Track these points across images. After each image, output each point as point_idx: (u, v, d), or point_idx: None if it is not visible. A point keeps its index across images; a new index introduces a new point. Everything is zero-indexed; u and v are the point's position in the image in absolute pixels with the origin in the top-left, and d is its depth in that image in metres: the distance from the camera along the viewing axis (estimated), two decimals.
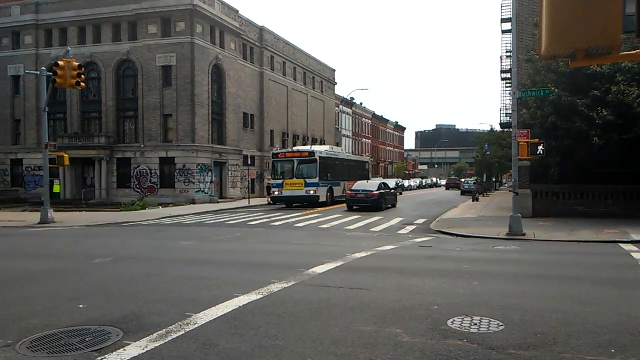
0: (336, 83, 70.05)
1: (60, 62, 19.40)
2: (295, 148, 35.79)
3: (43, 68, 23.86)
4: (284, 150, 33.71)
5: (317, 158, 29.66)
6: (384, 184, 30.36)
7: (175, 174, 37.25)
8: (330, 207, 29.53)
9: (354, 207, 27.17)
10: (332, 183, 31.24)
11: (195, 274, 9.11)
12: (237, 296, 7.11)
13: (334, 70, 69.61)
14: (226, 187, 41.58)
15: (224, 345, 5.10)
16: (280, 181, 29.77)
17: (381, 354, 4.86)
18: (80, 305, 6.76)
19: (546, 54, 3.64)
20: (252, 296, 7.15)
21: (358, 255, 11.30)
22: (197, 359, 4.75)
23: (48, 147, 21.88)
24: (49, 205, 21.68)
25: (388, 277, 8.74)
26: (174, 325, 5.74)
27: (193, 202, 36.18)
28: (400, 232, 17.56)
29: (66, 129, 40.14)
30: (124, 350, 4.98)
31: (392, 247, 13.07)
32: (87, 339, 5.33)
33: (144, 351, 4.94)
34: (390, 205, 29.17)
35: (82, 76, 19.75)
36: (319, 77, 63.36)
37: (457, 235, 16.47)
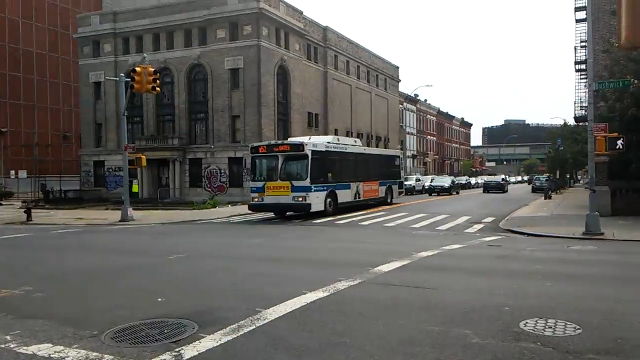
0: (400, 80, 69.24)
1: (138, 69, 20.52)
2: (280, 140, 26.98)
3: (122, 74, 25.30)
4: (266, 142, 23.96)
5: (309, 153, 20.94)
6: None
7: (244, 174, 38.23)
8: (332, 217, 21.72)
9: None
10: (334, 186, 22.89)
11: (264, 271, 9.37)
12: (305, 293, 7.25)
13: (398, 68, 68.84)
14: None
15: (293, 341, 5.24)
16: (261, 184, 21.39)
17: (450, 354, 4.82)
18: (159, 299, 7.15)
19: (626, 44, 3.48)
20: (319, 293, 7.27)
21: (424, 254, 11.17)
22: (268, 353, 4.90)
23: (127, 150, 23.11)
24: (129, 204, 22.95)
25: (456, 277, 8.60)
26: (245, 320, 5.94)
27: None
28: (467, 231, 17.15)
29: (143, 132, 42.17)
30: (200, 342, 5.23)
31: (459, 246, 12.80)
32: (165, 331, 5.63)
33: (218, 344, 5.17)
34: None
35: (157, 81, 20.81)
36: (383, 74, 62.89)
37: (528, 234, 15.86)
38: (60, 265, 10.70)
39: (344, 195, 23.92)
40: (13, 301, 7.24)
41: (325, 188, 22.10)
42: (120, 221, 22.08)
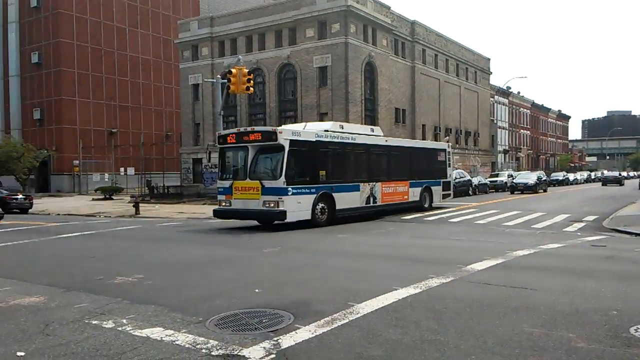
0: (491, 73, 66.54)
1: (233, 70, 21.55)
2: (251, 127, 19.61)
3: (218, 76, 26.65)
4: (234, 130, 18.07)
5: (284, 144, 15.68)
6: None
7: None
8: (328, 226, 16.77)
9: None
10: (330, 187, 17.41)
11: (354, 266, 9.49)
12: (396, 289, 7.26)
13: (489, 60, 66.20)
14: None
15: (386, 336, 5.29)
16: (228, 184, 16.71)
17: (552, 358, 4.63)
18: (256, 290, 7.50)
19: None
20: (411, 290, 7.25)
21: (520, 252, 10.73)
22: (362, 346, 5.00)
23: None
24: None
25: (556, 278, 8.19)
26: (338, 314, 6.08)
27: None
28: (567, 229, 16.18)
29: None
30: (296, 333, 5.43)
31: (559, 245, 12.13)
32: (264, 321, 5.91)
33: (313, 335, 5.34)
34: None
35: (251, 81, 21.73)
36: (473, 67, 60.79)
37: (637, 234, 14.67)
38: (166, 255, 11.51)
39: (348, 200, 18.23)
40: (127, 288, 7.92)
41: (312, 190, 16.59)
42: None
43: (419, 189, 22.62)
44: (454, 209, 24.01)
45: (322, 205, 17.03)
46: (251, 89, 21.88)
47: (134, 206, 25.58)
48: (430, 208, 23.39)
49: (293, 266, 9.72)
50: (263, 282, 8.13)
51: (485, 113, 64.91)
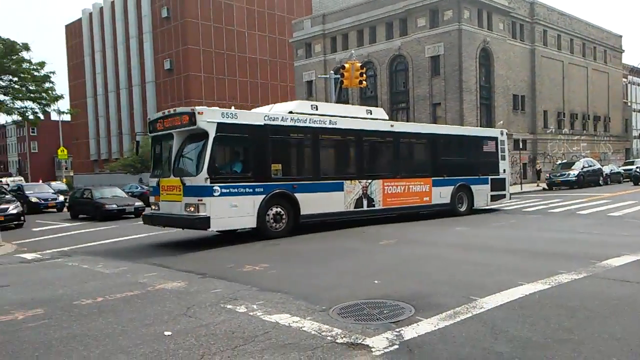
0: (623, 51, 60.22)
1: (346, 65, 21.95)
2: (174, 109, 13.27)
3: (331, 72, 27.21)
4: (160, 114, 13.56)
5: (207, 128, 11.91)
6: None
7: None
8: (289, 236, 13.05)
9: None
10: (288, 186, 13.40)
11: (475, 259, 9.22)
12: (522, 284, 6.96)
13: (621, 37, 59.95)
14: None
15: (513, 332, 5.11)
16: (155, 181, 13.25)
17: None
18: (375, 281, 7.61)
19: None
20: (538, 286, 6.90)
21: None
22: (488, 342, 4.87)
23: None
24: None
25: None
26: (460, 307, 5.98)
27: None
28: None
29: None
30: (417, 325, 5.44)
31: None
32: (384, 312, 6.00)
33: (435, 328, 5.31)
34: None
35: (364, 75, 21.93)
36: (602, 46, 55.49)
37: None
38: (286, 246, 12.03)
39: (322, 202, 14.02)
40: (255, 276, 8.46)
41: (259, 189, 12.64)
42: None
43: (449, 188, 17.74)
44: (584, 199, 22.22)
45: (278, 209, 13.05)
46: (364, 82, 22.12)
47: None
48: (469, 212, 18.34)
49: (410, 258, 9.70)
50: (381, 273, 8.22)
51: (617, 95, 59.04)
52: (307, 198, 13.63)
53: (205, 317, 6.04)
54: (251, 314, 6.09)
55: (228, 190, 12.04)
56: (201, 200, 11.66)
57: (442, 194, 17.46)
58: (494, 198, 19.53)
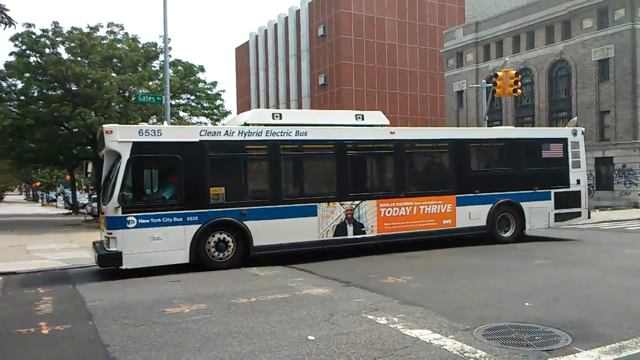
0: None
1: (499, 73, 20.92)
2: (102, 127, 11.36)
3: (483, 81, 26.15)
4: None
5: (119, 149, 10.39)
6: None
7: (614, 175, 33.95)
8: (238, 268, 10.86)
9: None
10: (235, 212, 11.10)
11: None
12: None
13: None
14: None
15: None
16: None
17: None
18: (527, 303, 7.09)
19: None
20: None
21: None
22: None
23: None
24: None
25: None
26: (628, 341, 5.32)
27: (636, 206, 32.07)
28: None
29: None
30: (575, 357, 4.96)
31: None
32: (536, 338, 5.56)
33: None
34: None
35: (519, 83, 20.67)
36: None
37: None
38: (431, 260, 11.75)
39: (284, 231, 11.51)
40: (397, 287, 8.43)
41: (192, 218, 10.72)
42: None
43: (484, 208, 13.83)
44: None
45: (223, 236, 10.99)
46: (519, 90, 20.80)
47: None
48: (518, 237, 14.31)
49: (567, 280, 8.85)
50: (534, 295, 7.65)
51: None
52: (263, 226, 11.23)
53: (346, 325, 6.19)
54: (392, 326, 6.10)
55: (148, 221, 10.30)
56: (111, 233, 10.16)
57: (472, 215, 13.68)
58: (561, 217, 14.98)
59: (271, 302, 7.54)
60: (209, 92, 31.69)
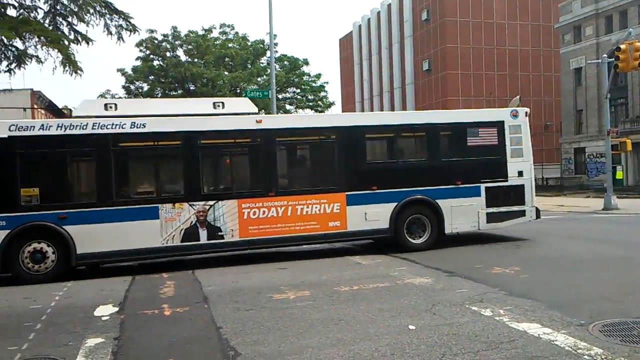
0: None
1: (622, 46, 19.15)
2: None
3: (604, 55, 23.90)
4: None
5: None
6: None
7: None
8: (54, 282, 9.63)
9: None
10: (51, 216, 9.74)
11: None
12: None
13: None
14: None
15: None
16: None
17: None
18: None
19: None
20: None
21: None
22: None
23: (610, 134, 21.90)
24: (612, 192, 21.63)
25: None
26: None
27: None
28: None
29: (627, 114, 38.90)
30: None
31: None
32: None
33: None
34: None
35: None
36: None
37: None
38: (544, 249, 11.17)
39: (117, 236, 10.02)
40: (504, 278, 8.10)
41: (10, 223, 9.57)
42: (603, 209, 21.09)
43: (385, 207, 11.42)
44: None
45: (41, 246, 9.70)
46: None
47: None
48: (434, 241, 11.64)
49: None
50: None
51: None
52: (88, 231, 9.90)
53: (448, 316, 6.09)
54: (497, 318, 5.90)
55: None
56: None
57: (370, 216, 11.35)
58: (496, 217, 12.05)
59: (373, 290, 7.62)
60: (313, 84, 32.45)
